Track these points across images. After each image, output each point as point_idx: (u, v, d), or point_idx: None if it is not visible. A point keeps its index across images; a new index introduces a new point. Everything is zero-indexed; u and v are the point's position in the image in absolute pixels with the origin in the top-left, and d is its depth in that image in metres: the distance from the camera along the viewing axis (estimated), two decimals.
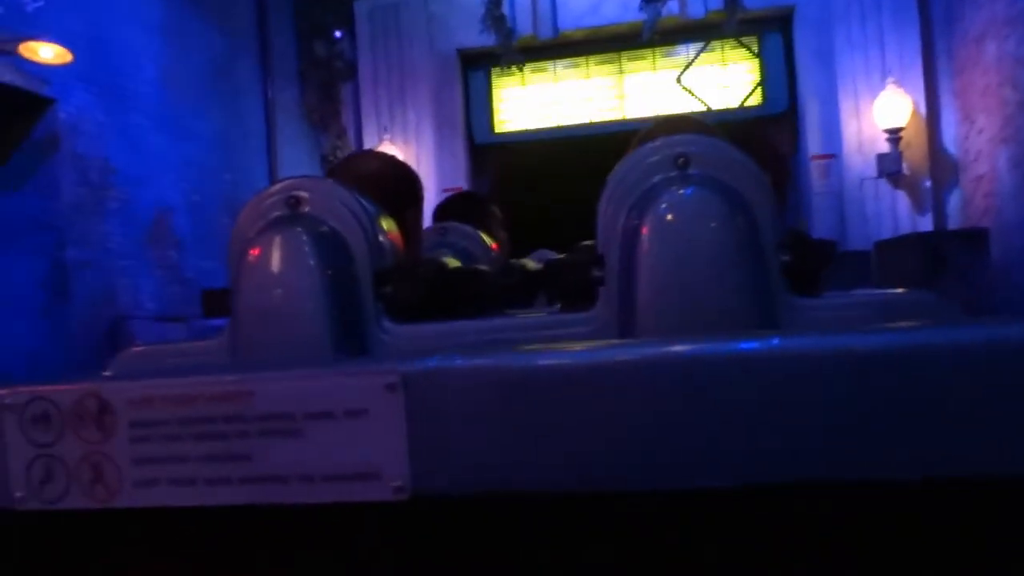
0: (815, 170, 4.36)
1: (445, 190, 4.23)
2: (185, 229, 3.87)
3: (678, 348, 0.47)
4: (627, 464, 0.46)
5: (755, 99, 4.69)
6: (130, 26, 3.63)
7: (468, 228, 1.73)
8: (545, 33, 4.58)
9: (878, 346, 0.45)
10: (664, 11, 4.35)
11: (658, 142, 1.01)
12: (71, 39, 3.12)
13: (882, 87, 4.10)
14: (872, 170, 4.17)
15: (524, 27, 4.56)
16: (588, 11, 4.49)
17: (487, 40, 4.59)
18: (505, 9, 4.56)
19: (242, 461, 0.50)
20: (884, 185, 4.19)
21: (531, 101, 4.87)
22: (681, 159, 0.97)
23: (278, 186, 1.05)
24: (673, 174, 0.96)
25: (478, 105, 4.88)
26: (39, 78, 3.10)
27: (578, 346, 0.50)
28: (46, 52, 3.01)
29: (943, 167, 4.17)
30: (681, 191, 0.95)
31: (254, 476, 0.50)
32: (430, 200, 1.72)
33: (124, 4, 3.60)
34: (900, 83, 4.09)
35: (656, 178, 0.98)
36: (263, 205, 1.00)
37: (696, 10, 4.43)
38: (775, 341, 0.46)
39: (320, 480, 0.49)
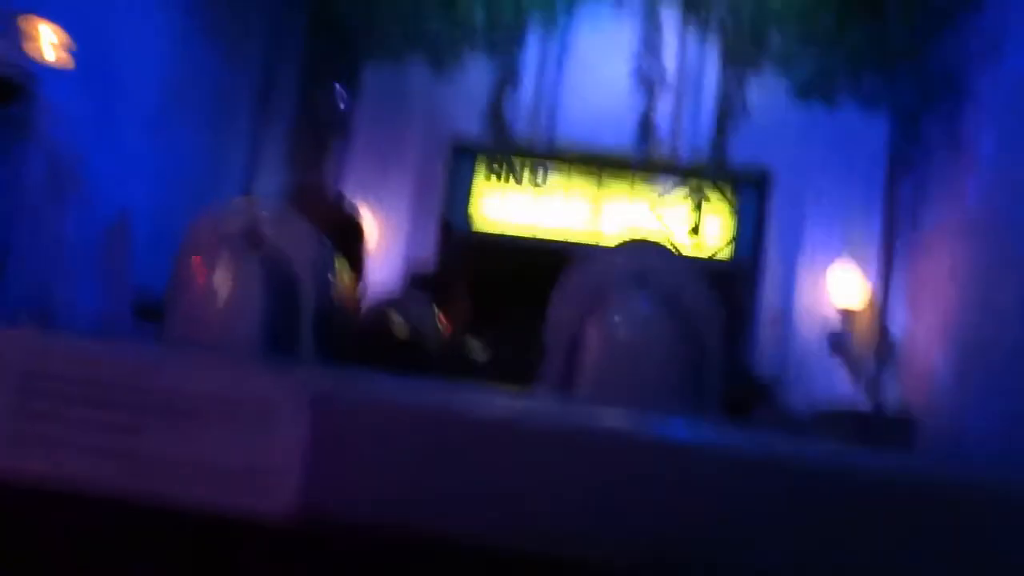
0: (768, 325, 4.49)
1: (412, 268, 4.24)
2: (142, 236, 3.76)
3: (606, 421, 0.46)
4: (526, 524, 0.44)
5: (723, 246, 4.85)
6: (139, 28, 3.65)
7: (425, 303, 1.73)
8: (539, 139, 4.73)
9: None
10: (654, 145, 4.56)
11: (620, 254, 1.03)
12: (71, 25, 3.10)
13: (838, 261, 4.29)
14: (820, 337, 4.31)
15: (520, 129, 4.70)
16: (583, 129, 4.66)
17: (483, 133, 4.73)
18: (506, 108, 4.72)
19: (129, 435, 0.47)
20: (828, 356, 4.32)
21: (512, 200, 4.96)
22: (641, 274, 0.98)
23: (238, 204, 1.03)
24: (631, 287, 0.97)
25: (460, 192, 4.95)
26: (26, 56, 3.07)
27: (501, 397, 0.48)
28: (45, 31, 2.99)
29: (887, 350, 4.33)
30: (636, 305, 0.96)
31: (138, 454, 0.46)
32: (394, 271, 1.72)
33: (138, 6, 3.62)
34: (857, 261, 4.29)
35: (613, 289, 0.99)
36: (219, 220, 0.98)
37: (683, 150, 4.64)
38: (702, 430, 0.46)
39: (205, 476, 0.46)
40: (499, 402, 0.47)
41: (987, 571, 0.43)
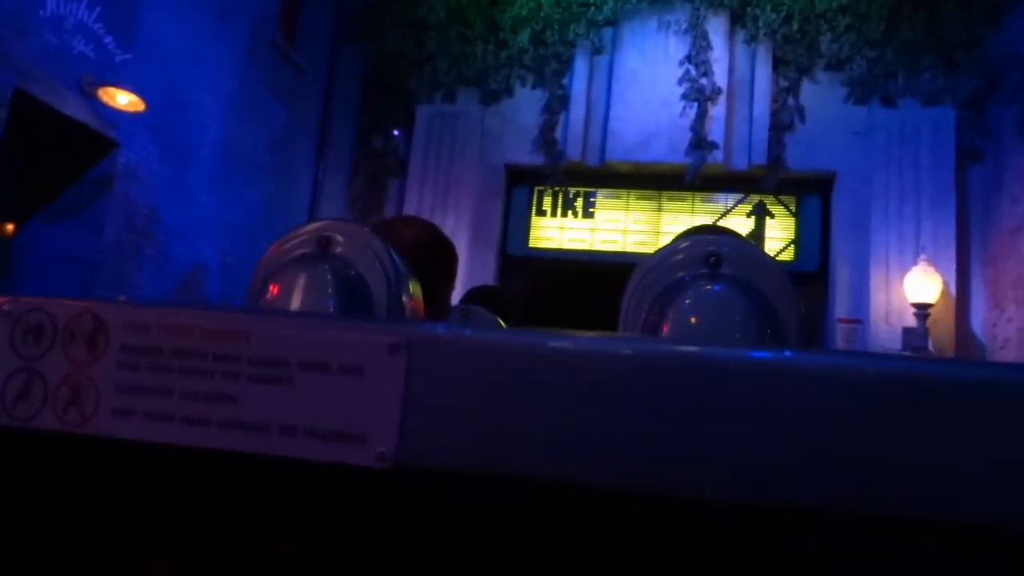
0: (840, 333, 4.35)
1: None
2: (215, 288, 3.93)
3: (686, 348, 0.46)
4: (622, 462, 0.44)
5: (787, 256, 4.75)
6: (203, 90, 3.84)
7: (489, 313, 1.74)
8: (592, 161, 4.75)
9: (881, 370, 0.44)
10: (709, 158, 4.52)
11: (690, 240, 1.03)
12: (147, 92, 3.30)
13: (914, 263, 4.14)
14: (897, 342, 4.15)
15: (573, 153, 4.73)
16: (636, 147, 4.66)
17: (536, 159, 4.78)
18: (557, 133, 4.76)
19: (228, 403, 0.48)
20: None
21: (569, 223, 4.98)
22: (713, 258, 0.96)
23: (312, 225, 1.06)
24: (703, 271, 0.97)
25: (517, 218, 5.00)
26: (109, 122, 3.27)
27: (591, 335, 0.49)
28: (122, 99, 3.19)
29: (969, 349, 4.14)
30: (709, 288, 0.95)
31: (236, 421, 0.48)
32: (457, 297, 1.74)
33: (202, 70, 3.82)
34: (932, 261, 4.13)
35: (684, 274, 0.98)
36: (293, 240, 1.01)
37: (740, 162, 4.58)
38: (786, 354, 0.45)
39: (303, 435, 0.47)
40: (581, 340, 0.47)
41: None
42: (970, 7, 4.39)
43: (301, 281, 1.00)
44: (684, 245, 1.02)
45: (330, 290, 0.99)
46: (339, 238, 1.04)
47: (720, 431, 0.43)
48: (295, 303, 0.98)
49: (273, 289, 1.00)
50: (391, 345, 0.46)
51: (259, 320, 0.49)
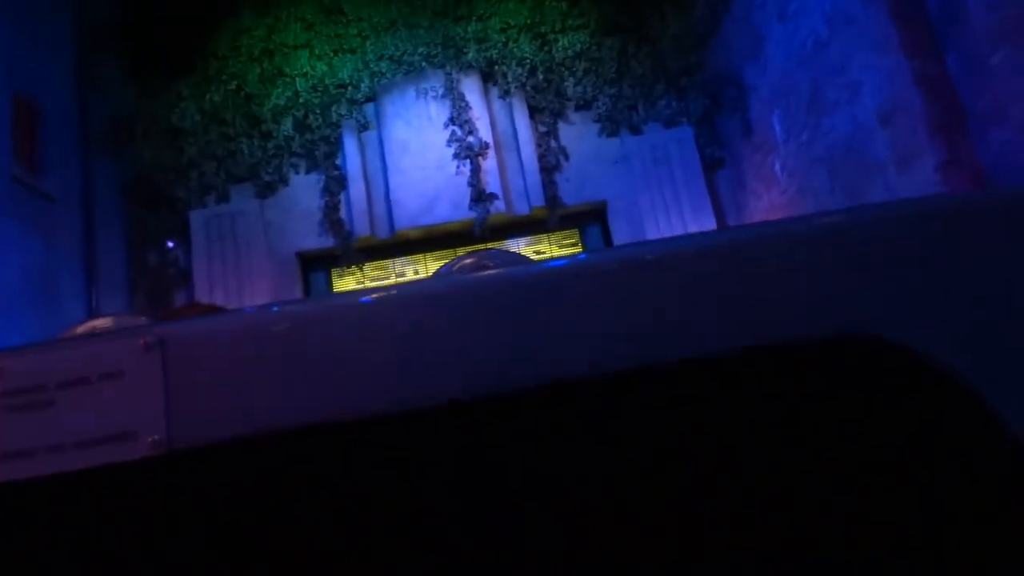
0: None
1: None
2: None
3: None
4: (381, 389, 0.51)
5: None
6: None
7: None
8: (383, 233, 4.79)
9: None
10: (492, 209, 4.72)
11: (467, 257, 1.09)
12: None
13: None
14: None
15: (362, 228, 4.75)
16: (421, 211, 4.77)
17: (326, 242, 4.74)
18: (342, 213, 4.76)
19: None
20: None
21: None
22: (482, 266, 1.03)
23: (87, 324, 1.03)
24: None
25: None
26: None
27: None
28: None
29: None
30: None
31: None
32: None
33: None
34: None
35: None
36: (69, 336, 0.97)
37: (521, 207, 4.83)
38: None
39: (72, 448, 0.48)
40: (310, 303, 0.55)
41: None
42: (683, 40, 4.99)
43: None
44: (461, 261, 1.09)
45: None
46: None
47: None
48: None
49: None
50: (145, 344, 0.50)
51: (8, 354, 0.51)
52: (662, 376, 0.55)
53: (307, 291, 4.86)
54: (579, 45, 4.98)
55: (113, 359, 0.51)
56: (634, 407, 0.56)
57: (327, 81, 4.88)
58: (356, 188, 4.80)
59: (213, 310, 1.56)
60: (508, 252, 1.06)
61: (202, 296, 4.56)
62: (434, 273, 1.04)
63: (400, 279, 4.98)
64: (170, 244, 4.71)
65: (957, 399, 0.55)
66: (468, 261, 1.02)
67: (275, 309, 0.53)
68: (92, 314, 4.32)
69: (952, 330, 0.57)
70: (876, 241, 0.60)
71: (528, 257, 1.12)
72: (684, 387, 0.57)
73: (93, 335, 0.59)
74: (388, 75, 4.91)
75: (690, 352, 0.55)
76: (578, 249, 5.08)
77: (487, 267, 0.96)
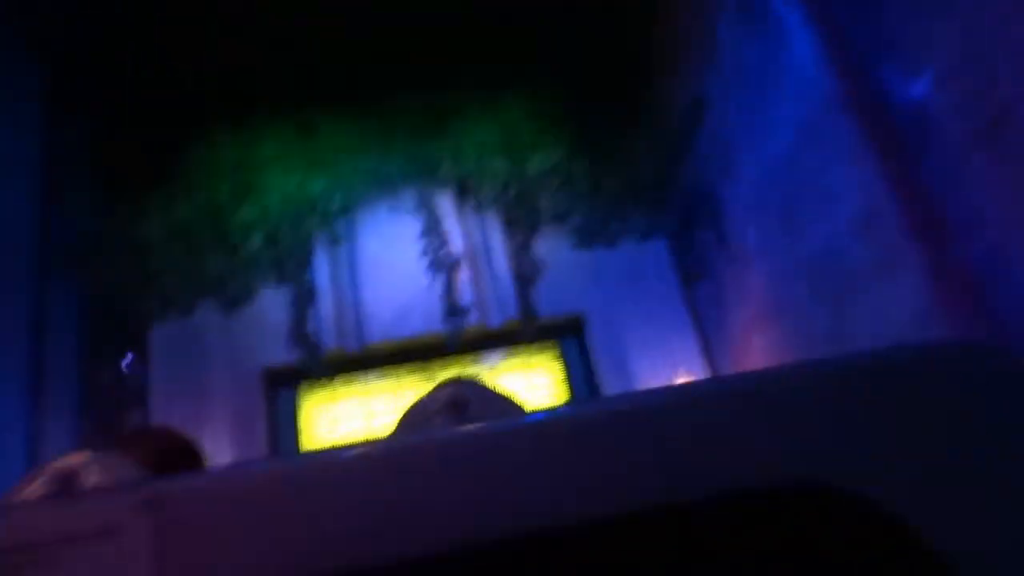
0: None
1: None
2: None
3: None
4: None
5: (563, 398, 4.85)
6: None
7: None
8: (353, 347, 4.61)
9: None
10: (466, 322, 4.60)
11: (441, 389, 1.10)
12: None
13: (671, 377, 4.42)
14: None
15: (331, 343, 4.58)
16: (394, 324, 4.63)
17: (294, 356, 4.55)
18: (311, 327, 4.60)
19: None
20: None
21: (342, 415, 4.72)
22: (457, 404, 1.03)
23: (52, 466, 1.04)
24: (451, 415, 1.03)
25: (285, 422, 4.65)
26: None
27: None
28: None
29: None
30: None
31: None
32: None
33: None
34: (688, 372, 4.43)
35: (436, 419, 1.05)
36: (429, 396, 1.07)
37: (496, 320, 4.71)
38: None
39: None
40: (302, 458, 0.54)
41: None
42: (655, 157, 5.07)
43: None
44: (434, 394, 1.12)
45: None
46: (468, 387, 1.09)
47: None
48: None
49: None
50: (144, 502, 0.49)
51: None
52: (603, 532, 0.54)
53: (272, 413, 4.61)
54: (552, 161, 5.04)
55: (101, 519, 0.49)
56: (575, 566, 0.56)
57: (299, 196, 4.85)
58: (326, 301, 4.67)
59: (172, 438, 1.54)
60: (483, 387, 1.12)
61: (158, 417, 4.30)
62: (411, 407, 1.06)
63: (372, 396, 4.77)
64: (126, 362, 4.49)
65: (907, 546, 0.55)
66: (444, 392, 1.05)
67: (280, 464, 0.55)
68: (32, 439, 4.02)
69: (901, 479, 0.58)
70: (824, 393, 0.62)
71: (501, 388, 1.15)
72: (625, 543, 0.56)
73: (77, 499, 0.57)
74: (361, 190, 4.90)
75: (627, 508, 0.54)
76: (557, 365, 4.94)
77: (464, 400, 1.02)
